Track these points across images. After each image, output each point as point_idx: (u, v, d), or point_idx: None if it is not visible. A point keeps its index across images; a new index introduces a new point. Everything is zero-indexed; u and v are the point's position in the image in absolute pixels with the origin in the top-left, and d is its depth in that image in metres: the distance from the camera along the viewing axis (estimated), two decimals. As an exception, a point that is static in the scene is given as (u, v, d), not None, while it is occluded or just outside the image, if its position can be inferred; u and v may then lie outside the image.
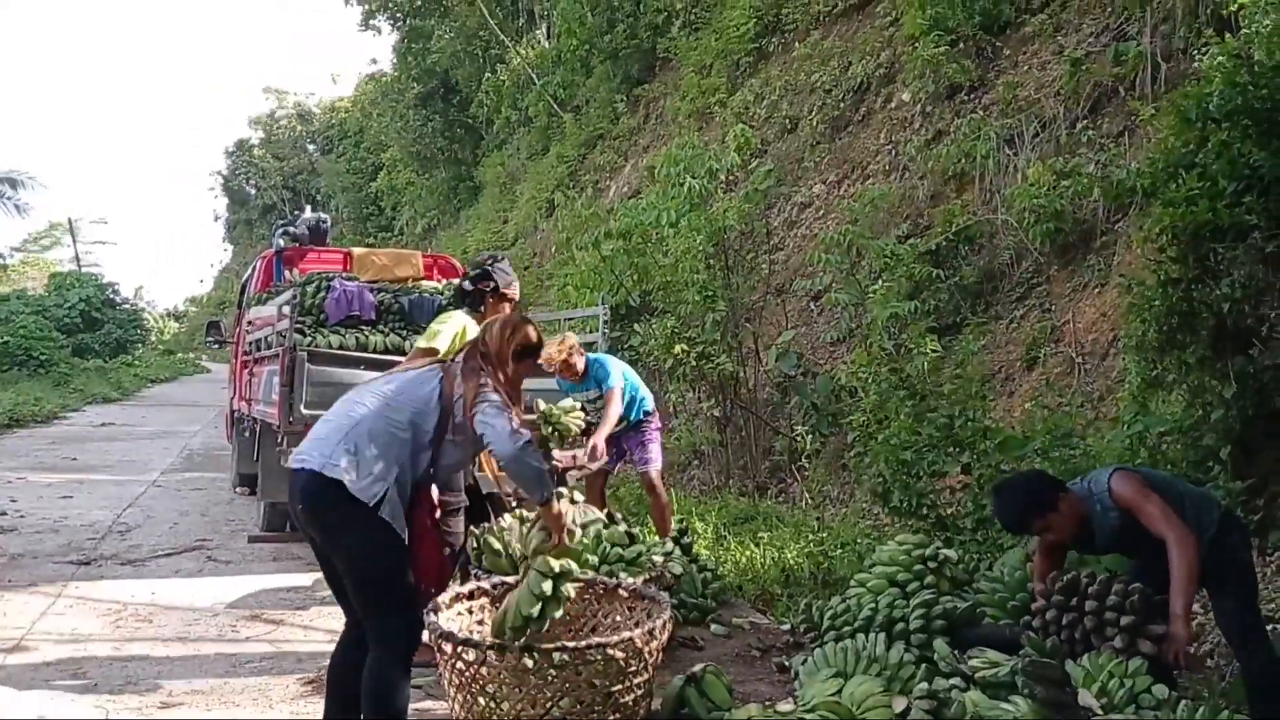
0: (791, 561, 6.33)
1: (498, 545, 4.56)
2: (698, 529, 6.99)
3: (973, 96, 10.37)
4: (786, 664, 4.49)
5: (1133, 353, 5.23)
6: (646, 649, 3.44)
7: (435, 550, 3.48)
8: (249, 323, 8.54)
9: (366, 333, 7.32)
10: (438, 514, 3.60)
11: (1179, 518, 3.60)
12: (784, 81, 14.28)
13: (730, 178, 12.58)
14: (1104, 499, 3.75)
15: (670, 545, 5.36)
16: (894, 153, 11.32)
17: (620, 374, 6.30)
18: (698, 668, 3.82)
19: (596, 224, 11.68)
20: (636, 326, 10.97)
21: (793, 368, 9.90)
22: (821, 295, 10.61)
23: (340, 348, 7.01)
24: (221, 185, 46.41)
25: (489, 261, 5.49)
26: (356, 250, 8.63)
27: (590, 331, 7.80)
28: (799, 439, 8.82)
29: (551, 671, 3.33)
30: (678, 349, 9.74)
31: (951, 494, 5.60)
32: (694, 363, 9.72)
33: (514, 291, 5.83)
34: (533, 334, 3.74)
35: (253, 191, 40.90)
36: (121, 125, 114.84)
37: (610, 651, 3.35)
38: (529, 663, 3.32)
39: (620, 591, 4.03)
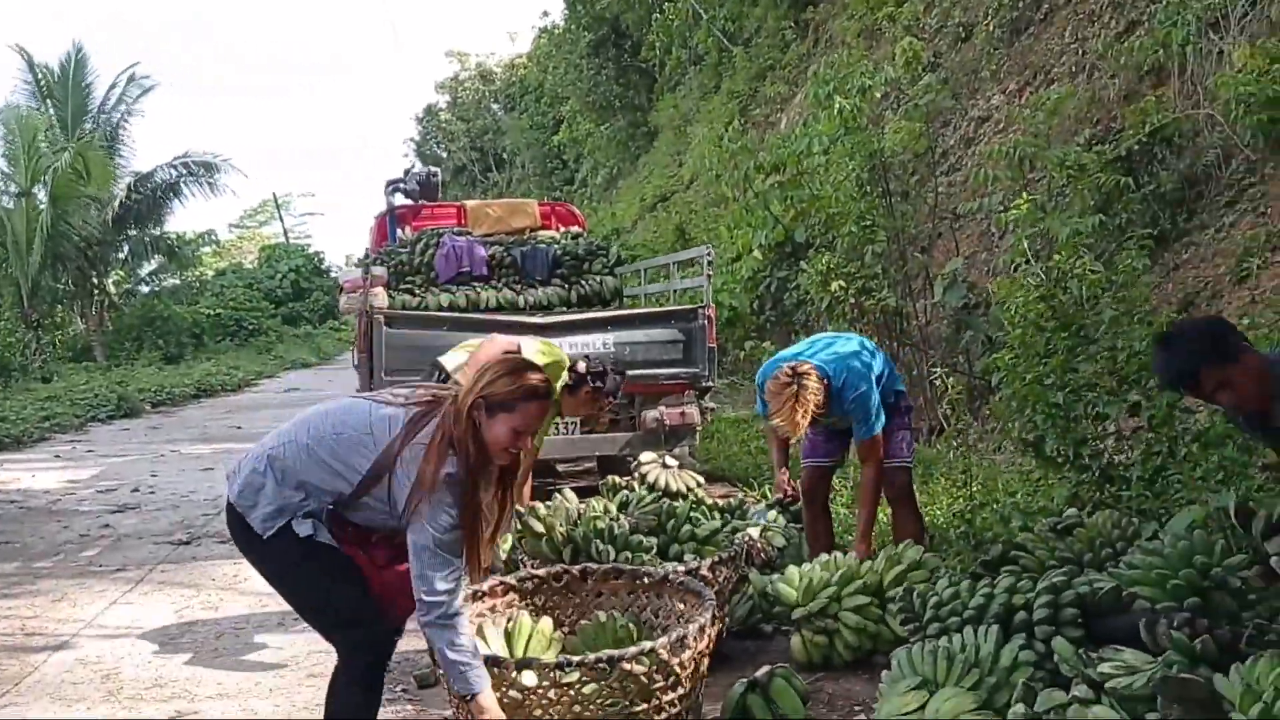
0: (941, 522, 5.51)
1: (539, 527, 4.02)
2: (834, 486, 6.20)
3: (1173, -23, 8.99)
4: (897, 659, 3.75)
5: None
6: (677, 661, 2.83)
7: (392, 575, 2.85)
8: (339, 288, 8.41)
9: (478, 289, 7.04)
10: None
11: None
12: (956, -15, 13.02)
13: (897, 96, 11.61)
14: None
15: (773, 513, 4.68)
16: (1080, 52, 10.10)
17: (871, 382, 4.30)
18: (764, 670, 3.18)
19: (746, 158, 10.93)
20: (803, 264, 10.28)
21: (961, 299, 8.93)
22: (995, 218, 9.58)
23: (450, 306, 6.76)
24: (414, 150, 47.74)
25: None
26: (469, 203, 8.33)
27: (695, 277, 7.13)
28: (976, 378, 7.89)
29: (554, 691, 2.78)
30: (834, 286, 9.02)
31: (1120, 440, 4.65)
32: (853, 299, 8.97)
33: None
34: (521, 381, 2.70)
35: (444, 155, 41.91)
36: (323, 102, 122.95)
37: (627, 666, 2.75)
38: (528, 681, 2.77)
39: (669, 583, 3.41)
